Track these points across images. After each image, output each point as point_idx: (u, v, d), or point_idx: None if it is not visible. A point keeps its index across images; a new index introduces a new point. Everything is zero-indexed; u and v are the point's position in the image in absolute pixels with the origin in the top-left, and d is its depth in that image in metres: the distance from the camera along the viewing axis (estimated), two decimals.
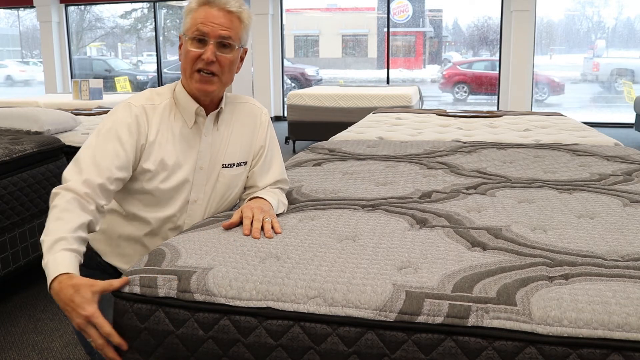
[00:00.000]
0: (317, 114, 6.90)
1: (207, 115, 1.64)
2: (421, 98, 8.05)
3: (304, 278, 1.18)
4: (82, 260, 1.35)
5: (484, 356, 1.06)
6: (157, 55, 11.51)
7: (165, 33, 12.71)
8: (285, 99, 9.86)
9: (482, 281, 1.16)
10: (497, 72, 9.70)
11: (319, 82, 12.18)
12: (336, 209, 1.68)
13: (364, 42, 13.65)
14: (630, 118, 8.39)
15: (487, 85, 12.03)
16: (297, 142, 7.25)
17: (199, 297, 1.17)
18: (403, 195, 1.88)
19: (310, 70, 12.85)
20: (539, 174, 2.24)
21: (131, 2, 11.92)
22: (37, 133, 3.14)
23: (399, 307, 1.09)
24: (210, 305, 1.16)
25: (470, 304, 1.09)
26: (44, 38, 11.12)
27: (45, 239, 1.35)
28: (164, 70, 11.73)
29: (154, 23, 11.54)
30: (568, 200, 1.83)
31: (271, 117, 1.85)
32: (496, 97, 9.74)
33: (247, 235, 1.42)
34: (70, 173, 1.49)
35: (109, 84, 10.84)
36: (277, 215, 1.59)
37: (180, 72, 1.63)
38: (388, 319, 1.09)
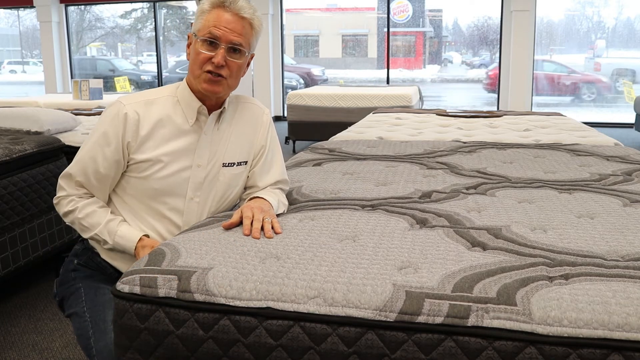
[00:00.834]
0: (317, 114, 6.90)
1: (209, 114, 1.65)
2: (421, 98, 8.05)
3: (304, 278, 1.18)
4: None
5: (484, 356, 1.06)
6: (157, 56, 11.51)
7: (165, 33, 12.72)
8: (285, 99, 9.86)
9: (482, 281, 1.16)
10: (539, 71, 9.25)
11: (324, 81, 12.18)
12: (336, 209, 1.68)
13: (364, 42, 13.65)
14: (630, 118, 8.39)
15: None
16: (297, 142, 7.25)
17: (199, 297, 1.17)
18: (403, 195, 1.88)
19: (316, 70, 12.87)
20: (539, 174, 2.24)
21: (131, 2, 11.92)
22: (37, 133, 3.14)
23: (399, 307, 1.09)
24: (210, 305, 1.16)
25: (471, 304, 1.09)
26: (44, 38, 11.12)
27: (97, 231, 1.60)
28: (177, 70, 11.72)
29: (154, 23, 11.54)
30: (568, 200, 1.83)
31: (271, 117, 1.85)
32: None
33: (247, 235, 1.42)
34: (63, 180, 1.66)
35: (112, 84, 10.82)
36: (277, 215, 1.59)
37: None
38: (388, 319, 1.09)
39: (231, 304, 1.15)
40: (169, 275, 1.21)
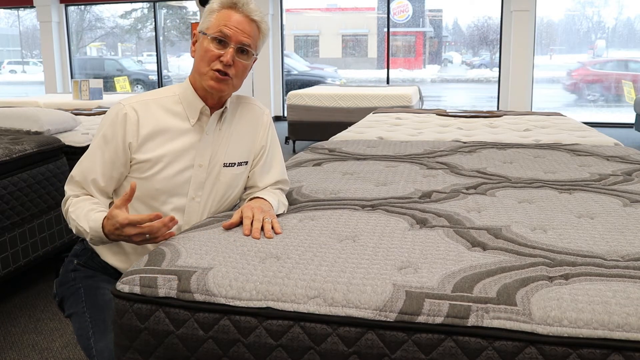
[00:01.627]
0: (317, 114, 6.90)
1: (211, 114, 1.65)
2: (421, 98, 8.05)
3: (304, 278, 1.18)
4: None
5: (484, 356, 1.06)
6: (157, 56, 11.51)
7: (165, 33, 12.71)
8: (285, 99, 9.86)
9: (482, 281, 1.16)
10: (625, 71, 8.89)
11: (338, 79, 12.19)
12: (336, 209, 1.68)
13: (364, 42, 13.64)
14: (630, 118, 8.39)
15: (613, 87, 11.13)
16: (297, 142, 7.24)
17: (199, 297, 1.17)
18: (403, 195, 1.88)
19: (329, 70, 12.90)
20: (539, 174, 2.24)
21: (131, 2, 11.92)
22: (37, 133, 3.14)
23: (399, 307, 1.09)
24: (210, 305, 1.16)
25: (470, 304, 1.09)
26: (44, 38, 11.12)
27: (78, 220, 1.54)
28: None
29: (154, 23, 11.54)
30: (568, 200, 1.83)
31: (271, 117, 1.86)
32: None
33: (247, 235, 1.42)
34: (67, 185, 1.65)
35: (112, 84, 10.81)
36: (277, 215, 1.60)
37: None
38: (388, 319, 1.09)
39: (231, 304, 1.15)
40: (169, 275, 1.21)
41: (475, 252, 1.34)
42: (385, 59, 10.70)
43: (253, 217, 1.47)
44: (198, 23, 1.71)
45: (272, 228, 1.46)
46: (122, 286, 1.22)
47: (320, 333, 1.11)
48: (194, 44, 1.64)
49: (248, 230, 1.43)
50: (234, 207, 1.76)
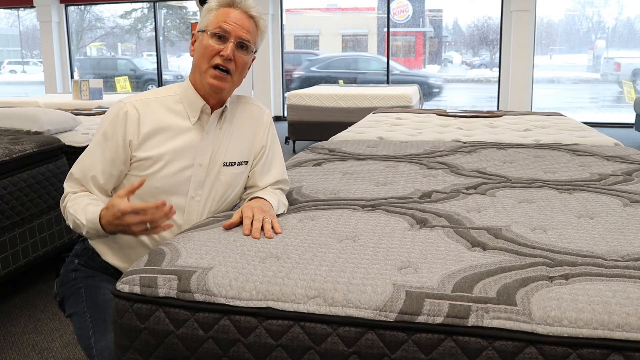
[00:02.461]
0: (317, 114, 6.90)
1: (211, 113, 1.65)
2: (421, 98, 8.05)
3: (304, 278, 1.18)
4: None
5: (484, 356, 1.06)
6: (157, 56, 11.51)
7: (165, 33, 12.71)
8: (285, 99, 9.86)
9: (482, 281, 1.16)
10: None
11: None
12: (336, 209, 1.69)
13: (364, 42, 13.64)
14: (630, 118, 8.39)
15: None
16: (297, 142, 7.24)
17: (199, 297, 1.17)
18: (403, 195, 1.88)
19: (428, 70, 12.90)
20: (539, 174, 2.24)
21: (131, 2, 11.92)
22: (37, 133, 3.14)
23: (399, 307, 1.09)
24: (210, 305, 1.16)
25: (470, 304, 1.09)
26: (44, 38, 11.12)
27: (76, 214, 1.53)
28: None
29: (154, 23, 11.54)
30: (568, 200, 1.83)
31: (271, 117, 1.86)
32: None
33: (247, 235, 1.42)
34: (67, 182, 1.65)
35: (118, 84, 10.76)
36: (277, 215, 1.60)
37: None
38: (388, 319, 1.09)
39: (231, 303, 1.15)
40: (169, 275, 1.21)
41: (475, 252, 1.34)
42: (385, 59, 10.70)
43: (253, 217, 1.47)
44: (198, 23, 1.71)
45: (272, 228, 1.46)
46: (122, 286, 1.22)
47: (320, 333, 1.11)
48: (192, 44, 1.66)
49: (248, 230, 1.43)
50: (234, 207, 1.76)
